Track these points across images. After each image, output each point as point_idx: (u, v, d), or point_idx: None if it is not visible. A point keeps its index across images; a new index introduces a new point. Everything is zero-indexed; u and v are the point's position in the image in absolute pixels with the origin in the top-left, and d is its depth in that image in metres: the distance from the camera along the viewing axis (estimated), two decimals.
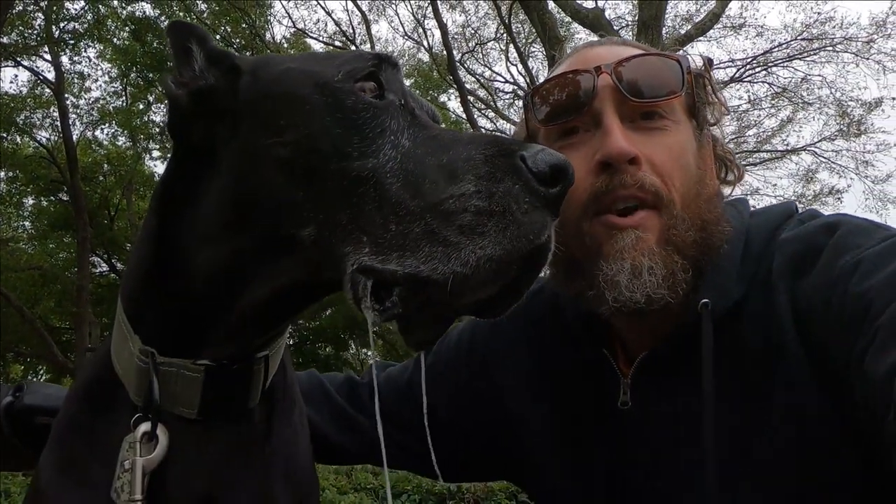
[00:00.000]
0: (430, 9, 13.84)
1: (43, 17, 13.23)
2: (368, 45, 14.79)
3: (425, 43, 16.12)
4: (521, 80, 15.60)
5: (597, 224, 0.95)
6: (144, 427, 0.75)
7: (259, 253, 0.72)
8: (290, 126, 0.71)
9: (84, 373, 0.89)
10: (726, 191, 1.11)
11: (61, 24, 13.76)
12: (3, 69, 15.09)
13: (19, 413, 1.01)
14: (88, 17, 13.67)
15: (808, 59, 14.00)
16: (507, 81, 16.39)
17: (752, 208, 1.07)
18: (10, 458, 1.06)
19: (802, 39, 13.79)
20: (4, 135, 15.80)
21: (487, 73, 16.60)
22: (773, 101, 15.00)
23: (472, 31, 15.82)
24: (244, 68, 0.77)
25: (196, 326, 0.77)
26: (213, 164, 0.75)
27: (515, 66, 15.58)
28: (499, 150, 0.65)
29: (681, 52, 1.07)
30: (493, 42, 16.02)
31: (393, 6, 15.79)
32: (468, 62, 15.95)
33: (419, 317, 0.67)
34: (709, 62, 1.06)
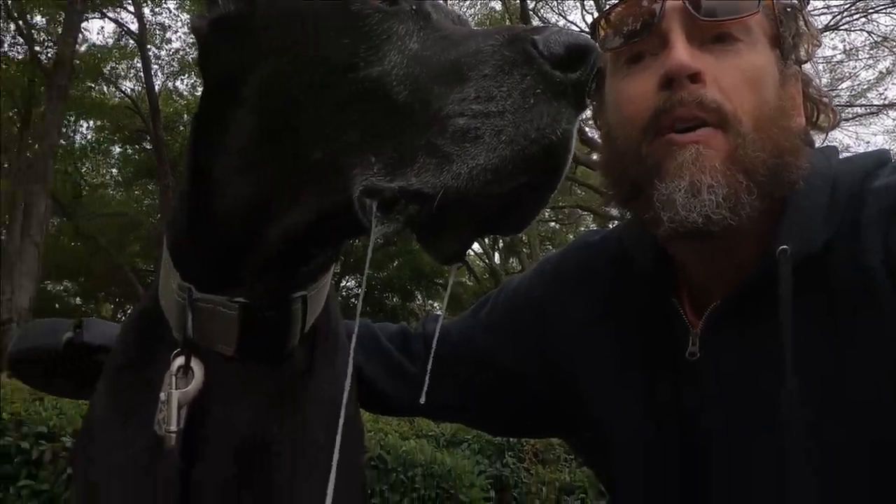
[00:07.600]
0: None
1: None
2: None
3: None
4: None
5: (656, 144, 0.91)
6: (179, 361, 0.76)
7: (278, 182, 0.72)
8: (298, 41, 0.70)
9: (136, 308, 0.91)
10: (818, 139, 1.04)
11: None
12: (90, 21, 15.73)
13: (78, 349, 1.05)
14: None
15: None
16: (581, 31, 15.81)
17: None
18: (66, 387, 1.12)
19: None
20: (92, 85, 16.56)
21: (562, 23, 16.07)
22: (871, 52, 13.91)
23: None
24: None
25: (228, 263, 0.77)
26: (237, 95, 0.74)
27: (591, 14, 14.99)
28: (509, 38, 0.60)
29: None
30: None
31: None
32: (542, 10, 15.47)
33: (431, 230, 0.64)
34: None
